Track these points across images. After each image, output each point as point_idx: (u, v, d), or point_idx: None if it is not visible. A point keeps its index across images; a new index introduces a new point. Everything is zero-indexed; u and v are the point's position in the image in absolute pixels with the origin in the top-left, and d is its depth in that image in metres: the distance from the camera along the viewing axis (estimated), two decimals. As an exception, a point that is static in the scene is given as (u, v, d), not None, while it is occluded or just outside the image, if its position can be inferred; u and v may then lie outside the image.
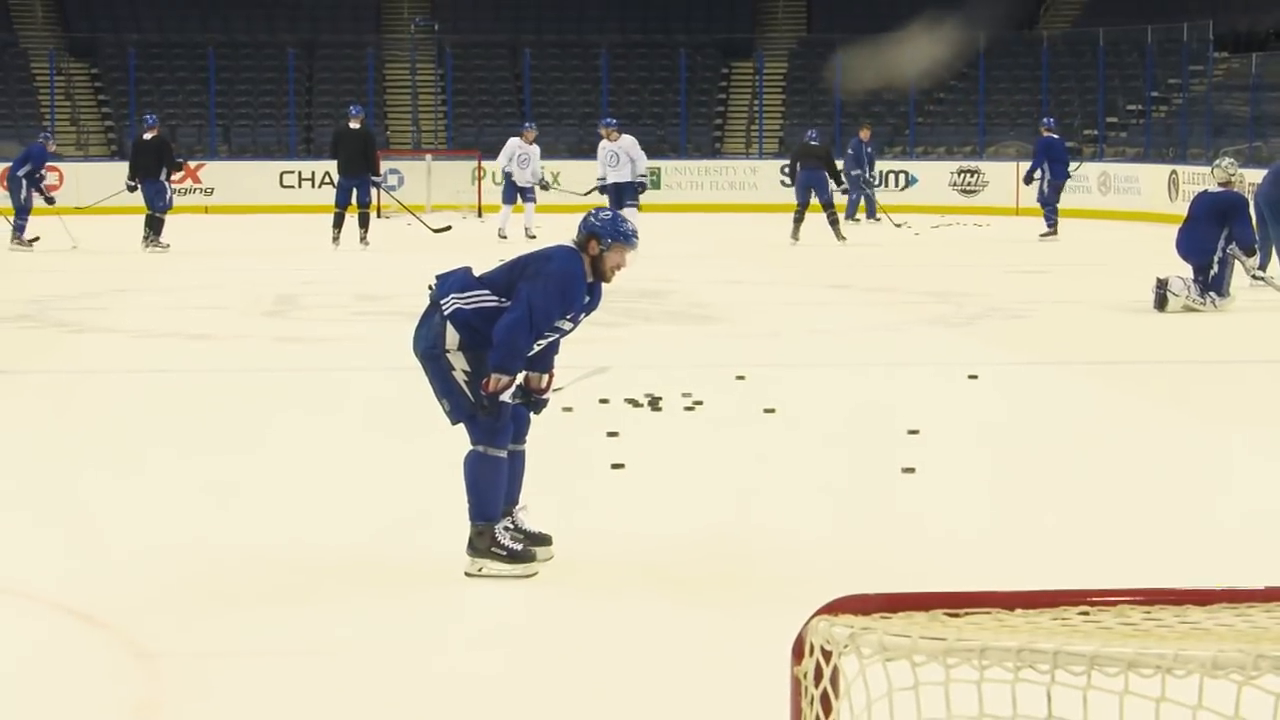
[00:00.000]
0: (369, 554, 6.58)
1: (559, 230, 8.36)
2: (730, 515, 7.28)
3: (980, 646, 2.07)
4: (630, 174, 21.79)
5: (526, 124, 24.11)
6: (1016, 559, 6.61)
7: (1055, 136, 23.52)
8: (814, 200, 22.37)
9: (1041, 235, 22.92)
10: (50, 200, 22.23)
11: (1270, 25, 32.02)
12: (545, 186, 23.48)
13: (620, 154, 21.96)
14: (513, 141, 23.54)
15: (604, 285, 6.47)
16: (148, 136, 21.89)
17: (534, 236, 21.21)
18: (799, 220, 22.41)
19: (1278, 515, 7.38)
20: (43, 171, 22.47)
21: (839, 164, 23.85)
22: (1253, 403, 10.42)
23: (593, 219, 6.44)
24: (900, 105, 33.89)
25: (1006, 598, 2.29)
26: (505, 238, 21.90)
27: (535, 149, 23.39)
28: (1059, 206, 23.16)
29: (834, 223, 22.47)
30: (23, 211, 21.81)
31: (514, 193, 23.31)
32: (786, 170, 23.18)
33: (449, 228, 22.96)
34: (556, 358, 6.53)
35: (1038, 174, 23.25)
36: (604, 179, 21.97)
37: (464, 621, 5.94)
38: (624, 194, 21.56)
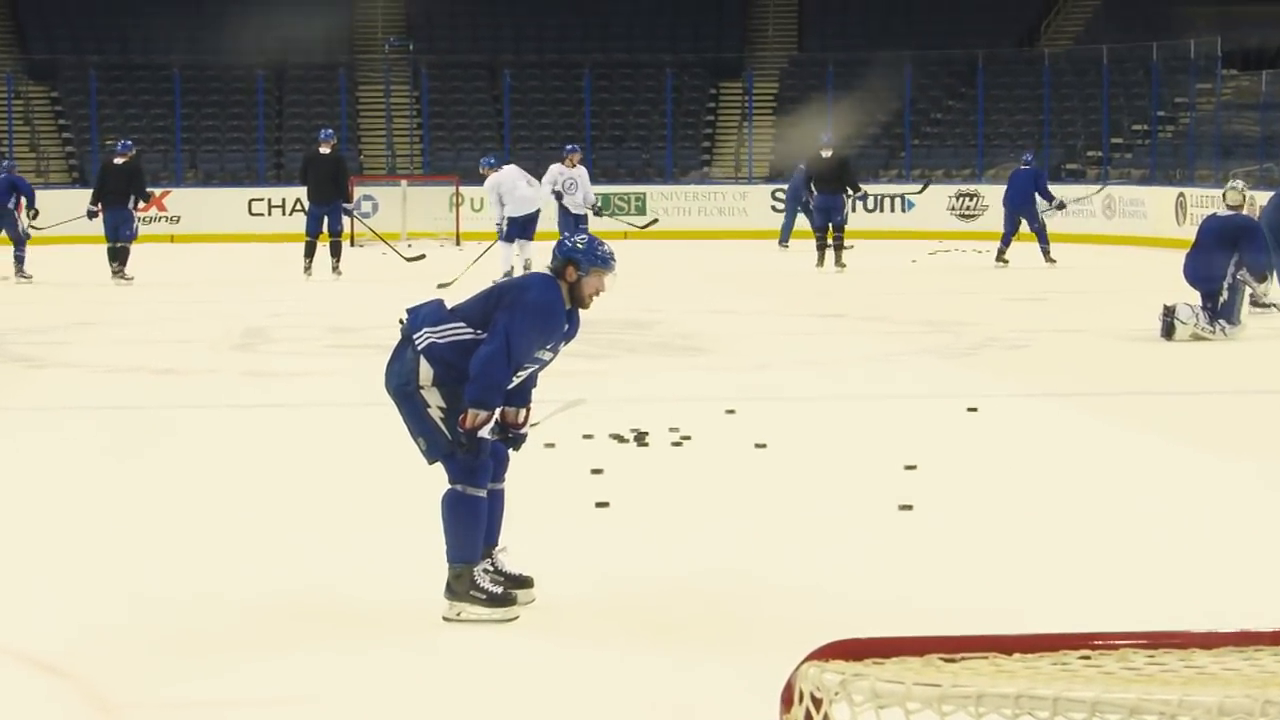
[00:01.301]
0: (342, 598, 6.47)
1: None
2: (719, 556, 7.17)
3: (977, 693, 2.05)
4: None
5: (569, 147, 22.64)
6: (1016, 600, 6.51)
7: (1024, 169, 23.40)
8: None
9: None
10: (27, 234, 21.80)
11: (1280, 42, 31.85)
12: (598, 211, 22.24)
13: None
14: (555, 168, 21.64)
15: (583, 313, 6.39)
16: (119, 161, 21.20)
17: None
18: (822, 247, 22.49)
19: (1290, 554, 7.26)
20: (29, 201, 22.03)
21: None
22: (1265, 435, 10.27)
23: (568, 244, 6.36)
24: (896, 126, 33.60)
25: (1004, 641, 2.27)
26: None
27: (582, 171, 21.69)
28: (1049, 233, 23.07)
29: (838, 248, 22.39)
30: (20, 243, 21.45)
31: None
32: (808, 187, 23.32)
33: (423, 256, 22.67)
34: (533, 391, 6.43)
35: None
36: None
37: (441, 668, 5.79)
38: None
